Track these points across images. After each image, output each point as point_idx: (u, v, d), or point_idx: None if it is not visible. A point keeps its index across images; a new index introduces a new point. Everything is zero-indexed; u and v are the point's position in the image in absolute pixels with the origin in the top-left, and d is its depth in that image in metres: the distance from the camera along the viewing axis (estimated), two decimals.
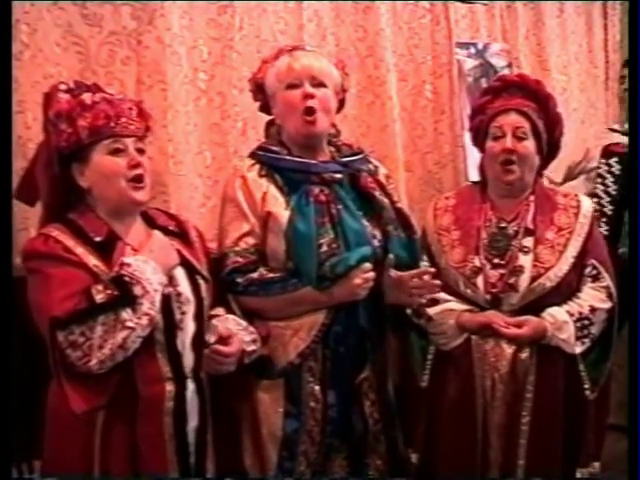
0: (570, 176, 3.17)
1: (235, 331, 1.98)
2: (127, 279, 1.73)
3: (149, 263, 1.78)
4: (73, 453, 1.77)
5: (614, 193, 3.00)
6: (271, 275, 2.07)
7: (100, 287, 1.73)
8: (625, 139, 3.06)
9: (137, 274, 1.74)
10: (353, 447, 2.19)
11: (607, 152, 3.09)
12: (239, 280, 2.07)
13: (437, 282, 2.10)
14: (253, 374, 2.08)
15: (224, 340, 1.92)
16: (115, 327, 1.70)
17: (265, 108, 2.27)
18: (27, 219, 2.27)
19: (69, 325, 1.68)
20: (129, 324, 1.71)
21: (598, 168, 3.07)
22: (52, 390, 1.82)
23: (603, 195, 3.00)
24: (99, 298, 1.71)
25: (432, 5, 3.32)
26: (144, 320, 1.74)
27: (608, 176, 3.02)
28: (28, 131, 2.30)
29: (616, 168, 3.02)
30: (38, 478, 2.01)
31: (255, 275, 2.07)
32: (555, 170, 2.90)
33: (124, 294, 1.72)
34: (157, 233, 1.90)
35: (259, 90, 2.23)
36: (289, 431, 2.10)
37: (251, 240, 2.09)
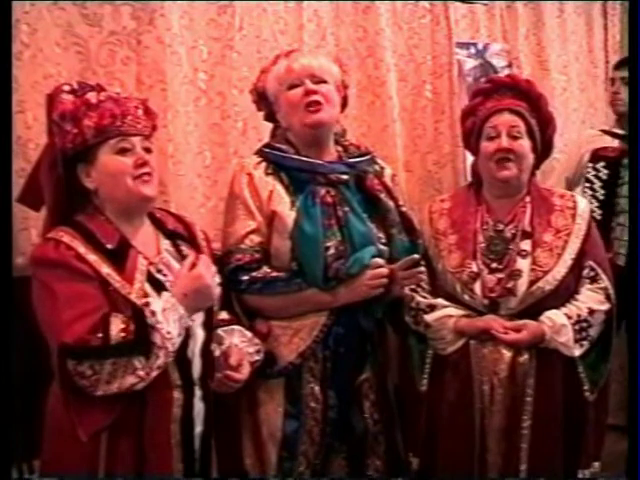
0: (570, 187, 3.12)
1: (240, 345, 1.97)
2: (148, 322, 1.69)
3: (176, 310, 1.73)
4: (78, 458, 1.75)
5: (602, 198, 2.98)
6: (275, 274, 2.07)
7: (120, 319, 1.68)
8: (614, 142, 3.04)
9: (159, 326, 1.69)
10: (353, 447, 2.20)
11: (595, 156, 3.06)
12: (242, 278, 2.07)
13: (421, 269, 2.11)
14: (254, 374, 2.08)
15: (236, 367, 1.91)
16: (125, 371, 1.67)
17: (269, 116, 2.27)
18: (27, 219, 2.27)
19: (79, 357, 1.65)
20: (140, 373, 1.68)
21: (587, 173, 3.06)
22: (53, 393, 1.81)
23: (591, 200, 2.95)
24: (115, 334, 1.66)
25: (432, 5, 3.31)
26: (155, 372, 1.71)
27: (596, 181, 3.00)
28: (28, 131, 2.30)
29: (603, 173, 3.00)
30: (38, 478, 2.01)
31: (259, 274, 2.07)
32: (556, 184, 2.90)
33: (141, 340, 1.68)
34: (197, 274, 1.78)
35: (261, 98, 2.23)
36: (289, 431, 2.11)
37: (256, 238, 2.09)
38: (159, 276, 1.83)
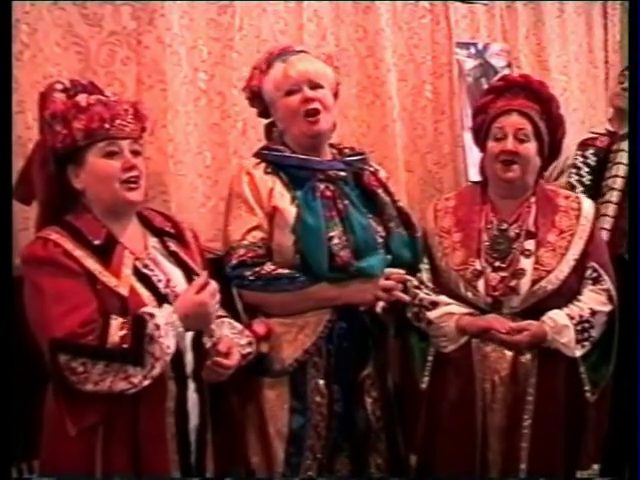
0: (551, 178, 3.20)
1: (231, 336, 1.98)
2: (150, 334, 1.71)
3: (176, 326, 1.75)
4: (75, 452, 1.77)
5: (588, 184, 3.03)
6: (279, 271, 2.08)
7: (119, 323, 1.70)
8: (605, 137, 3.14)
9: (161, 340, 1.71)
10: (355, 445, 2.20)
11: (584, 145, 3.16)
12: (246, 273, 2.08)
13: (400, 287, 2.11)
14: (256, 373, 2.09)
15: (225, 353, 1.91)
16: (117, 375, 1.69)
17: (263, 114, 2.28)
18: (27, 219, 2.26)
19: (72, 352, 1.67)
20: (133, 380, 1.70)
21: (575, 159, 3.14)
22: (50, 392, 1.82)
23: (577, 185, 3.03)
24: (112, 338, 1.68)
25: (432, 5, 3.31)
26: (148, 381, 1.72)
27: (583, 167, 3.08)
28: (28, 131, 2.30)
29: (592, 160, 3.07)
30: (38, 478, 2.01)
31: (263, 270, 2.08)
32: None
33: (138, 350, 1.69)
34: (202, 301, 1.80)
35: (255, 97, 2.25)
36: (295, 427, 2.12)
37: (259, 234, 2.10)
38: (146, 271, 1.85)
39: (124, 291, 1.77)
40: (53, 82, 1.91)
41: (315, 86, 2.14)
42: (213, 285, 1.84)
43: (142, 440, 1.78)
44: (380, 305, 2.09)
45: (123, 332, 1.69)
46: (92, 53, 2.44)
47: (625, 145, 3.06)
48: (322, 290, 2.07)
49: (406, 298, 2.13)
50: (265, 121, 2.33)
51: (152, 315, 1.74)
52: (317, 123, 2.13)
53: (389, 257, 2.14)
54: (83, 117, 1.81)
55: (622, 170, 3.01)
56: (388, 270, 2.10)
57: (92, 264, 1.77)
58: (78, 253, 1.77)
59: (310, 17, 2.96)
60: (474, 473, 2.19)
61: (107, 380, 1.68)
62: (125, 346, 1.69)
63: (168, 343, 1.73)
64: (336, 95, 2.30)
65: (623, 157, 3.03)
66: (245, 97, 2.30)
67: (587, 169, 3.06)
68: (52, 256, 1.75)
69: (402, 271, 2.13)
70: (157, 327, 1.72)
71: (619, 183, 2.97)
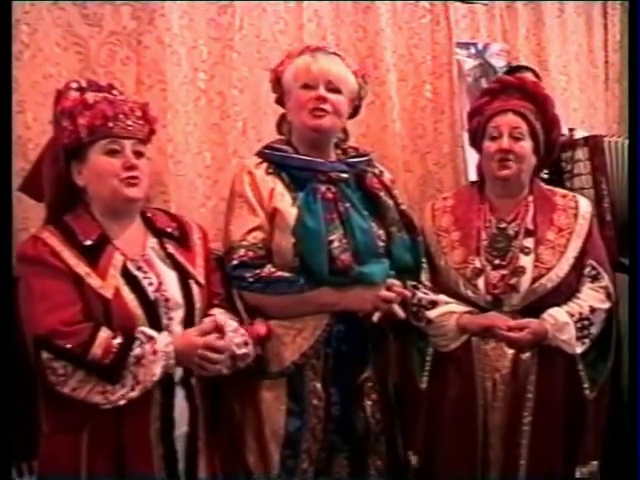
0: None
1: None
2: (135, 354, 1.72)
3: (168, 357, 1.76)
4: (62, 457, 1.77)
5: None
6: (279, 274, 2.07)
7: (107, 336, 1.71)
8: None
9: (151, 365, 1.72)
10: (354, 447, 2.19)
11: None
12: (246, 275, 2.06)
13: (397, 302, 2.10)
14: (254, 375, 2.08)
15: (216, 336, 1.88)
16: (94, 388, 1.70)
17: (281, 101, 2.26)
18: (27, 219, 2.27)
19: (53, 353, 1.68)
20: (110, 397, 1.71)
21: None
22: None
23: None
24: (95, 349, 1.69)
25: (432, 5, 3.32)
26: (124, 401, 1.72)
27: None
28: (28, 131, 2.31)
29: (544, 173, 3.02)
30: (38, 478, 2.01)
31: (263, 272, 2.06)
32: None
33: (115, 369, 1.70)
34: (201, 342, 1.83)
35: (277, 83, 2.22)
36: (292, 429, 2.10)
37: (260, 235, 2.09)
38: (137, 273, 1.84)
39: (108, 293, 1.77)
40: (70, 80, 1.91)
41: (333, 89, 2.11)
42: (214, 339, 1.85)
43: (127, 445, 1.78)
44: (377, 315, 2.06)
45: (107, 347, 1.70)
46: (92, 53, 2.45)
47: (579, 154, 3.00)
48: (322, 295, 2.06)
49: (402, 315, 2.09)
50: (269, 125, 2.31)
51: (152, 338, 1.75)
52: (321, 118, 2.09)
53: (392, 273, 2.12)
54: (88, 114, 1.81)
55: (585, 181, 2.95)
56: (390, 281, 2.09)
57: (78, 265, 1.77)
58: (66, 254, 1.78)
59: (310, 17, 2.97)
60: (476, 472, 2.19)
61: (85, 389, 1.69)
62: (106, 362, 1.70)
63: (155, 371, 1.73)
64: (358, 109, 2.27)
65: (581, 167, 2.99)
66: (269, 80, 2.26)
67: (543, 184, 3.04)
68: (39, 255, 1.77)
69: (401, 284, 2.11)
70: (155, 352, 1.73)
71: (587, 195, 2.93)
